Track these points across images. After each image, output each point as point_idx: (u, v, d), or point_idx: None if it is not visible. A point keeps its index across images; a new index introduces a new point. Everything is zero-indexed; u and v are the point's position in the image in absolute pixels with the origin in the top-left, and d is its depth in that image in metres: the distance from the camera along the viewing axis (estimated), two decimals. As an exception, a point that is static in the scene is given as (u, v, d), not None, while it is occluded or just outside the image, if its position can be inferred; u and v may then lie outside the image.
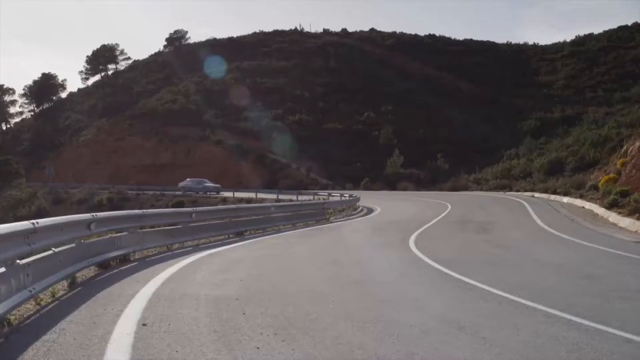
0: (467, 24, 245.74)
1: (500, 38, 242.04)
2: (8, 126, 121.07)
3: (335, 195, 44.17)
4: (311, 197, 45.89)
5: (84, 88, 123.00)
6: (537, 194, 38.98)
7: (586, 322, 5.96)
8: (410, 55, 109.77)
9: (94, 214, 9.95)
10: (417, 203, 36.83)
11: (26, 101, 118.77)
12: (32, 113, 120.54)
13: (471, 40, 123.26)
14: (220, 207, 23.79)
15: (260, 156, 76.75)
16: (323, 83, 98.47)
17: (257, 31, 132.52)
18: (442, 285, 8.63)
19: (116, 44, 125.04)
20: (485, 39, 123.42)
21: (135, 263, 11.26)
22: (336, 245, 15.26)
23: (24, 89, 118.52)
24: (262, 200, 45.16)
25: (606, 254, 12.41)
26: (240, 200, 48.32)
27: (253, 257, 12.51)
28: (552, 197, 35.43)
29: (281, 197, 47.94)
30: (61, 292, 8.28)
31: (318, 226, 23.46)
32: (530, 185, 45.12)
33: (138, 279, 9.16)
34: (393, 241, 15.12)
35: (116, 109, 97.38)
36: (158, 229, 14.07)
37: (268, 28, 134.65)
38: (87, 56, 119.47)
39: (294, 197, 45.28)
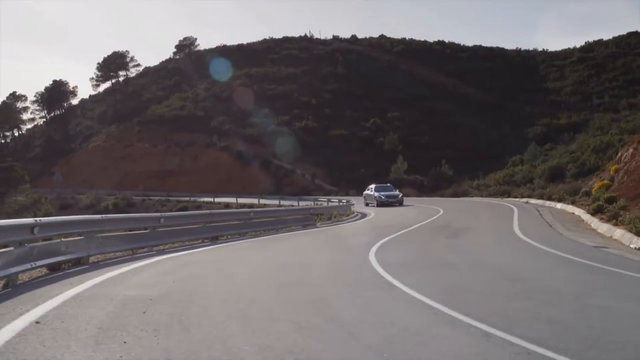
0: (476, 31, 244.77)
1: (510, 44, 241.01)
2: (20, 132, 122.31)
3: (334, 201, 44.39)
4: (311, 202, 46.11)
5: (94, 95, 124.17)
6: (532, 200, 38.91)
7: (476, 323, 6.08)
8: (418, 61, 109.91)
9: (37, 218, 10.23)
10: (412, 209, 36.93)
11: (38, 107, 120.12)
12: (44, 119, 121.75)
13: (480, 46, 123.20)
14: (192, 212, 24.21)
15: (266, 162, 77.12)
16: (330, 89, 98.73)
17: (267, 38, 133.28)
18: (365, 287, 8.78)
19: (126, 50, 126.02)
20: (494, 45, 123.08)
21: (87, 266, 11.48)
22: (298, 249, 15.47)
23: (35, 96, 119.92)
24: (264, 205, 45.48)
25: (554, 258, 12.50)
26: (243, 205, 48.62)
27: (206, 260, 12.76)
28: (547, 203, 35.39)
29: (283, 202, 48.26)
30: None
31: (303, 231, 23.66)
32: (529, 191, 44.98)
33: (74, 281, 9.36)
34: (358, 245, 15.30)
35: (126, 115, 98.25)
36: (121, 233, 14.33)
37: (278, 35, 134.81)
38: (98, 63, 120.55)
39: (295, 203, 45.71)
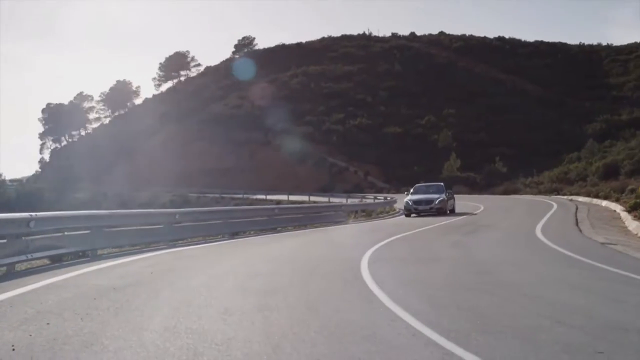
0: (539, 26, 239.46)
1: (573, 39, 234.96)
2: (86, 131, 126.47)
3: (380, 198, 44.86)
4: (359, 199, 46.57)
5: (157, 94, 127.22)
6: (580, 198, 38.19)
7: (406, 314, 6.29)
8: (477, 58, 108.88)
9: (33, 213, 10.85)
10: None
11: (103, 107, 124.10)
12: (109, 119, 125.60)
13: (541, 42, 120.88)
14: (209, 208, 24.71)
15: (319, 160, 77.67)
16: (386, 87, 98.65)
17: (326, 36, 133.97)
18: (333, 278, 9.01)
19: (187, 50, 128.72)
20: (556, 40, 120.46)
21: (88, 258, 12.05)
22: (305, 245, 15.74)
23: (100, 96, 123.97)
24: (314, 202, 46.07)
25: (546, 254, 12.45)
26: (293, 203, 49.28)
27: (200, 254, 13.25)
28: (594, 200, 34.72)
29: (333, 199, 48.69)
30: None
31: (331, 227, 24.01)
32: (580, 188, 44.13)
33: (62, 272, 9.85)
34: (365, 242, 15.41)
35: (186, 114, 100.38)
36: (135, 228, 14.87)
37: (337, 33, 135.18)
38: (160, 63, 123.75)
39: (344, 200, 46.15)
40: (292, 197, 55.77)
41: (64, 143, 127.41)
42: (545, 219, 23.38)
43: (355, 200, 44.08)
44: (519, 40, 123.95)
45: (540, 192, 49.67)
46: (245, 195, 63.17)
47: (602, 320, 5.89)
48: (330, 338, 5.25)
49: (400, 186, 66.25)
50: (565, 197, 41.88)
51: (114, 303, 6.91)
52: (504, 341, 5.12)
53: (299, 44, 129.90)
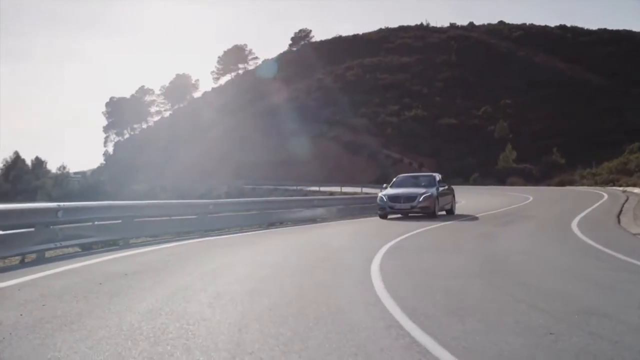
0: (602, 13, 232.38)
1: (639, 26, 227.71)
2: (148, 125, 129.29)
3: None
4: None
5: (216, 87, 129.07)
6: (636, 189, 37.31)
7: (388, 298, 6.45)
8: (537, 47, 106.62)
9: (61, 203, 11.35)
10: (503, 197, 36.68)
11: (163, 100, 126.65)
12: (170, 112, 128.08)
13: (605, 29, 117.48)
14: (243, 199, 24.98)
15: (374, 152, 77.62)
16: (443, 78, 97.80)
17: (383, 27, 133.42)
18: (341, 267, 9.21)
19: (245, 44, 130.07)
20: (621, 27, 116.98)
21: (117, 247, 12.53)
22: (325, 236, 15.92)
23: (160, 89, 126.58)
24: (367, 194, 46.23)
25: (570, 244, 12.42)
26: (345, 194, 49.44)
27: (224, 243, 13.62)
28: (651, 192, 34.01)
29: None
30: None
31: (368, 218, 24.09)
32: (639, 179, 43.08)
33: (84, 259, 10.32)
34: (394, 233, 15.53)
35: (243, 107, 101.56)
36: (166, 218, 15.28)
37: (394, 24, 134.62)
38: (219, 57, 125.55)
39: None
40: (345, 189, 55.97)
41: (127, 136, 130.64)
42: (588, 210, 23.07)
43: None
44: (581, 29, 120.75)
45: (596, 184, 48.67)
46: (299, 187, 63.62)
47: (577, 306, 5.95)
48: (300, 320, 5.43)
49: (454, 178, 65.86)
50: (620, 188, 40.96)
51: (116, 288, 7.24)
52: (464, 323, 5.25)
53: (355, 36, 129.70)
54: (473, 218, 20.87)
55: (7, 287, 7.36)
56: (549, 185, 54.85)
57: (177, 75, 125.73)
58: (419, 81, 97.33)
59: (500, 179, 63.16)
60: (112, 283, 7.62)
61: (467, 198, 37.30)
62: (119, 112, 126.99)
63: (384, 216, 21.22)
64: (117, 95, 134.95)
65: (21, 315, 5.70)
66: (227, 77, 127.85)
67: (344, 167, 74.98)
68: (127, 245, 12.73)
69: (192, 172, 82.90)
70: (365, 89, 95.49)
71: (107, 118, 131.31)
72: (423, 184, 22.14)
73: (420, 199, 20.41)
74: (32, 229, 10.51)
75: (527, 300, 6.35)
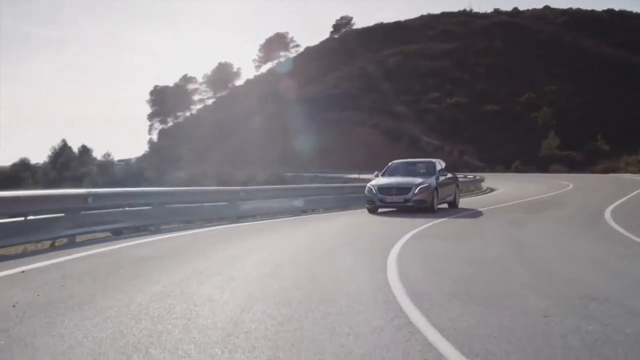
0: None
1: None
2: (191, 113, 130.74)
3: (471, 177, 44.74)
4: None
5: (257, 75, 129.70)
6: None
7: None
8: (583, 32, 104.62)
9: (91, 189, 11.70)
10: (543, 185, 36.37)
11: (206, 89, 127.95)
12: (212, 100, 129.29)
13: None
14: (276, 186, 25.19)
15: (414, 139, 77.30)
16: (485, 64, 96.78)
17: (424, 14, 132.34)
18: (361, 253, 9.29)
19: (286, 32, 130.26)
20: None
21: (147, 232, 12.80)
22: (351, 223, 15.98)
23: (203, 77, 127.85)
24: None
25: (602, 231, 12.32)
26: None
27: (252, 229, 13.82)
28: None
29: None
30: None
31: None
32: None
33: (114, 244, 10.63)
34: (422, 220, 15.57)
35: (283, 95, 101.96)
36: (197, 205, 15.47)
37: (436, 10, 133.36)
38: (260, 44, 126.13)
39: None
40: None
41: (170, 124, 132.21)
42: (626, 198, 22.82)
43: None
44: (630, 13, 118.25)
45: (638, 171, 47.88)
46: (339, 175, 63.69)
47: (583, 291, 5.96)
48: (304, 302, 5.54)
49: (495, 165, 65.26)
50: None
51: (135, 271, 7.46)
52: (465, 307, 5.32)
53: (397, 23, 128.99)
54: (502, 207, 20.68)
55: (32, 269, 7.63)
56: (593, 172, 54.00)
57: (220, 63, 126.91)
58: (460, 68, 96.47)
59: (543, 166, 62.47)
60: (133, 266, 7.86)
61: (505, 185, 37.26)
62: (162, 101, 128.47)
63: (373, 210, 17.89)
64: (161, 83, 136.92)
65: (38, 295, 5.94)
66: (268, 65, 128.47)
67: (384, 154, 74.50)
68: (158, 231, 13.00)
69: (234, 159, 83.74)
70: (406, 76, 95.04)
71: (152, 106, 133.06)
72: (421, 172, 18.84)
73: (416, 191, 17.07)
74: (62, 214, 10.85)
75: (535, 286, 6.38)
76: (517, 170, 62.57)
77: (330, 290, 6.19)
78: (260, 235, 12.43)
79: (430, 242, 10.59)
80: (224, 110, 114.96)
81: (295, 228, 14.08)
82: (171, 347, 4.17)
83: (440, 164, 19.43)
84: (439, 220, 15.02)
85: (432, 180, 17.64)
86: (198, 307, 5.41)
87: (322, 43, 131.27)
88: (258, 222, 16.04)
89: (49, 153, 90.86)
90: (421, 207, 17.17)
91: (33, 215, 10.11)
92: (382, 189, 17.61)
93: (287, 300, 5.65)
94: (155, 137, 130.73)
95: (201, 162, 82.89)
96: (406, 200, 17.21)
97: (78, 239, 11.12)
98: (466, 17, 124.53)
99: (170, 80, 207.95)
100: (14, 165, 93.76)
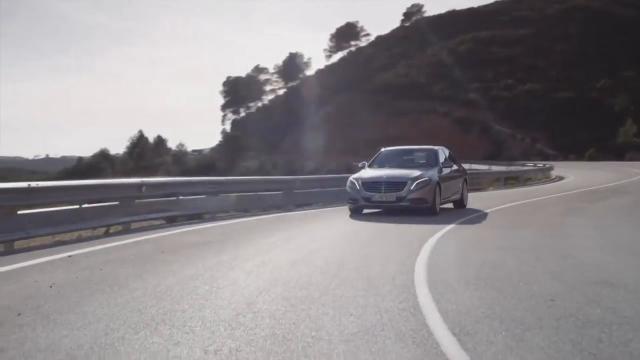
0: None
1: None
2: (263, 103, 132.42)
3: (540, 165, 44.22)
4: (519, 167, 46.07)
5: (328, 65, 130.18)
6: None
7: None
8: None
9: (144, 179, 12.20)
10: (614, 173, 35.78)
11: (277, 79, 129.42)
12: (284, 90, 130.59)
13: None
14: (328, 176, 25.30)
15: (485, 128, 76.19)
16: (560, 50, 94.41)
17: (498, 0, 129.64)
18: (399, 241, 9.42)
19: (357, 21, 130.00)
20: None
21: (199, 220, 13.19)
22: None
23: (274, 68, 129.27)
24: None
25: None
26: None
27: (300, 217, 14.09)
28: None
29: (493, 168, 48.18)
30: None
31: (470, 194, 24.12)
32: None
33: (164, 231, 11.03)
34: (476, 208, 15.52)
35: (354, 84, 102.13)
36: (251, 193, 15.86)
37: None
38: (331, 34, 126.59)
39: (502, 168, 45.75)
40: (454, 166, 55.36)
41: (242, 114, 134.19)
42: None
43: (502, 168, 43.53)
44: None
45: None
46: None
47: (601, 278, 6.06)
48: (323, 285, 5.75)
49: (568, 153, 63.72)
50: None
51: (176, 256, 7.78)
52: (478, 291, 5.47)
53: (469, 9, 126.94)
54: (565, 196, 20.28)
55: (78, 254, 8.05)
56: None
57: (291, 54, 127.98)
58: (534, 54, 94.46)
59: (619, 154, 60.70)
60: (175, 252, 8.20)
61: (576, 174, 36.72)
62: (235, 91, 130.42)
63: (356, 211, 14.35)
64: (234, 74, 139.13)
65: (76, 277, 6.32)
66: (339, 55, 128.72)
67: (454, 143, 73.53)
68: (213, 219, 13.42)
69: (304, 149, 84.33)
70: (478, 63, 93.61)
71: (225, 97, 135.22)
72: (420, 162, 15.25)
73: (412, 187, 13.39)
74: (117, 203, 11.37)
75: (556, 272, 6.42)
76: (592, 158, 61.04)
77: (353, 275, 6.35)
78: (309, 223, 12.65)
79: (471, 231, 10.63)
80: (295, 100, 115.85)
81: (343, 216, 14.20)
82: (179, 324, 4.43)
83: (444, 152, 15.75)
84: (498, 207, 14.94)
85: (433, 173, 14.00)
86: (220, 289, 5.67)
87: (393, 32, 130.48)
88: (312, 210, 16.26)
89: (127, 144, 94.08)
90: (419, 208, 13.56)
91: (87, 204, 10.66)
92: (367, 184, 13.90)
93: (307, 284, 5.85)
94: (228, 127, 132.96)
95: (272, 152, 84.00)
96: (399, 199, 13.48)
97: (133, 226, 11.63)
98: (541, 2, 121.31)
99: (242, 71, 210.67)
100: (94, 156, 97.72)
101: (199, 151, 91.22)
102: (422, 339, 4.03)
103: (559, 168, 41.52)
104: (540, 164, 45.59)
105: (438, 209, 13.89)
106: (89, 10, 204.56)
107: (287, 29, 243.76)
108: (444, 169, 14.62)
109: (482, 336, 4.07)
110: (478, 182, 28.19)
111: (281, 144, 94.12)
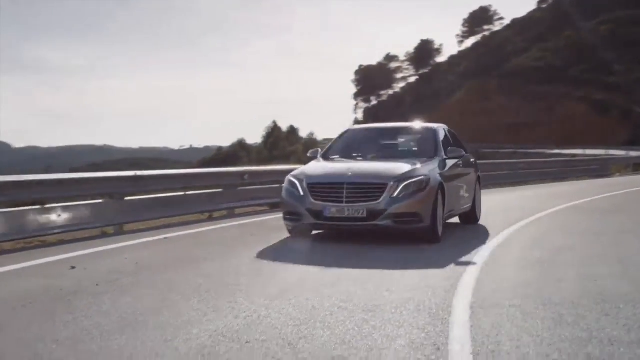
0: None
1: None
2: (394, 91, 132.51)
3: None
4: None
5: (462, 50, 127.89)
6: None
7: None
8: None
9: (247, 167, 13.17)
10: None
11: (408, 66, 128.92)
12: (417, 77, 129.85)
13: None
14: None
15: (626, 112, 72.57)
16: None
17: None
18: (493, 224, 9.79)
19: (490, 5, 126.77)
20: None
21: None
22: (531, 197, 16.03)
23: (405, 55, 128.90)
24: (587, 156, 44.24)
25: None
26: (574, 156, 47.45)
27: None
28: None
29: (631, 154, 46.27)
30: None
31: (580, 181, 23.89)
32: None
33: (261, 217, 11.97)
34: (585, 194, 15.36)
35: (486, 69, 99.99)
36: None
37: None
38: (464, 19, 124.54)
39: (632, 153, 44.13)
40: (589, 152, 53.42)
41: (374, 102, 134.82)
42: None
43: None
44: None
45: None
46: (539, 150, 61.78)
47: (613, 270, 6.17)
48: (376, 267, 6.32)
49: None
50: None
51: (264, 238, 8.53)
52: (522, 272, 6.02)
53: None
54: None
55: (173, 236, 9.02)
56: None
57: (422, 40, 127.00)
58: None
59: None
60: (264, 235, 8.91)
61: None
62: (366, 80, 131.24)
63: (298, 232, 8.54)
64: (365, 63, 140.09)
65: (136, 264, 6.94)
66: (472, 40, 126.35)
67: (591, 128, 71.08)
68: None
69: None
70: (618, 44, 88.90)
71: (356, 86, 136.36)
72: (409, 149, 9.79)
73: (397, 193, 7.60)
74: (221, 190, 12.39)
75: (582, 263, 6.59)
76: None
77: (413, 257, 6.90)
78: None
79: (574, 216, 10.78)
80: (426, 87, 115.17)
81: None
82: (224, 295, 5.11)
83: (443, 132, 9.70)
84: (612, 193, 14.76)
85: (432, 169, 8.23)
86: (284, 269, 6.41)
87: (529, 14, 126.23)
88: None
89: (263, 134, 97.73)
90: (407, 230, 7.81)
91: (190, 191, 11.73)
92: (317, 187, 7.96)
93: (351, 264, 6.46)
94: (360, 116, 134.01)
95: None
96: (373, 215, 7.58)
97: (237, 211, 12.60)
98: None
99: (374, 59, 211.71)
100: (232, 146, 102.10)
101: (330, 140, 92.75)
102: None
103: None
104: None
105: (440, 231, 8.06)
106: (228, 5, 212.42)
107: (419, 16, 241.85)
108: (448, 161, 8.81)
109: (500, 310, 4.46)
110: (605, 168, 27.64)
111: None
